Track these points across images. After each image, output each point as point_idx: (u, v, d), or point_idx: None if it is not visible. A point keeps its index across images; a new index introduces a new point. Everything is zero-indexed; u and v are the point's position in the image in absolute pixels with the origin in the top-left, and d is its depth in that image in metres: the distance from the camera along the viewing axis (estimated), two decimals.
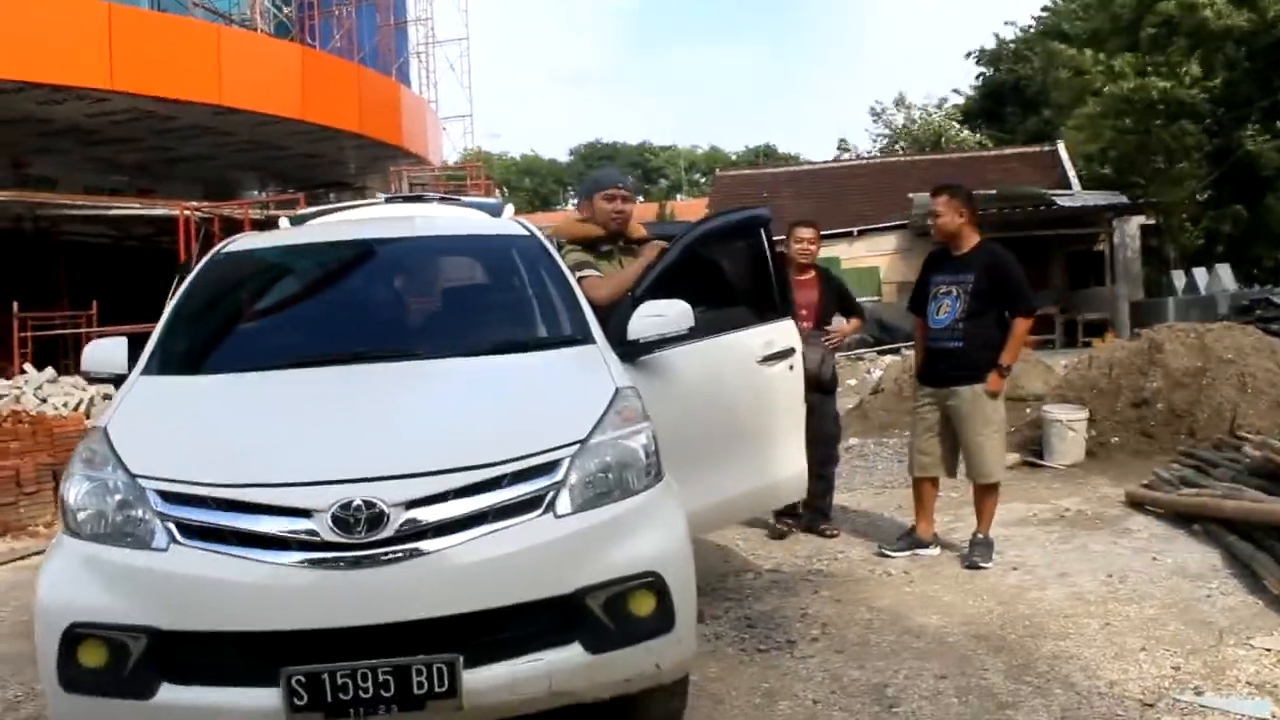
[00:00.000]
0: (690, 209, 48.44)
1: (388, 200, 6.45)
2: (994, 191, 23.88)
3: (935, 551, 5.98)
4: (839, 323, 6.75)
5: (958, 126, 43.67)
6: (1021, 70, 40.00)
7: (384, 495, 2.97)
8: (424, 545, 2.98)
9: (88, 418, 10.38)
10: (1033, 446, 9.11)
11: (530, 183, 79.65)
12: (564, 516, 3.14)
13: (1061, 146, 31.73)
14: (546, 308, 4.36)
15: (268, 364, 3.84)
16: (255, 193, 21.80)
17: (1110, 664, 4.27)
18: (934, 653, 4.48)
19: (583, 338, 4.00)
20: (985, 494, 5.88)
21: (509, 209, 5.90)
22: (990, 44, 44.22)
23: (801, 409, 5.20)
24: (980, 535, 5.88)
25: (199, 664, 2.96)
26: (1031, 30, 41.11)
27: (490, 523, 3.05)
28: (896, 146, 45.04)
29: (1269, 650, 4.33)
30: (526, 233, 4.78)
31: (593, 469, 3.24)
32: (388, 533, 2.96)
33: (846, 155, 48.25)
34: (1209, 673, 4.15)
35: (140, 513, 3.06)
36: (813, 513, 6.60)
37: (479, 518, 3.05)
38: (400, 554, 2.96)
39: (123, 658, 2.95)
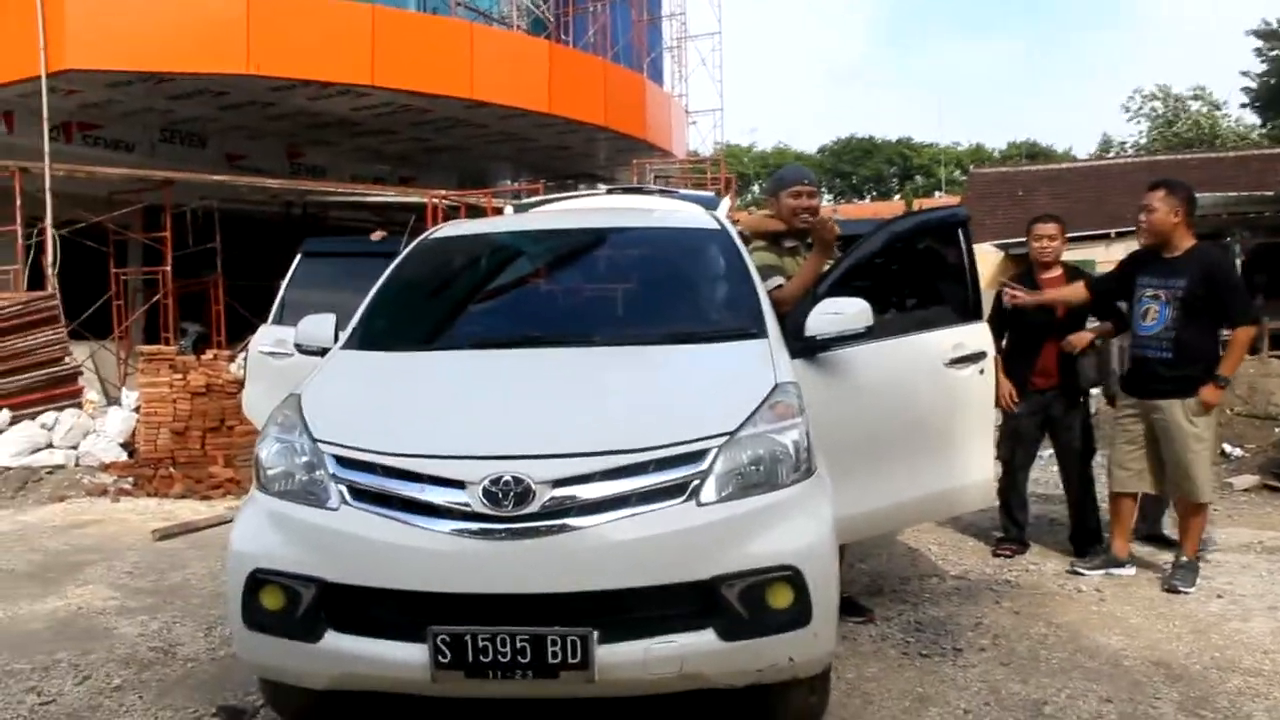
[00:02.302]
0: (937, 206, 47.16)
1: (608, 191, 6.72)
2: (1271, 193, 22.13)
3: (1131, 571, 5.70)
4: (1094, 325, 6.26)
5: (1227, 117, 40.18)
6: None
7: (532, 472, 3.15)
8: (568, 522, 3.14)
9: None
10: (1275, 469, 8.49)
11: None
12: (707, 505, 3.22)
13: None
14: (723, 301, 4.45)
15: (451, 344, 4.14)
16: (507, 181, 22.78)
17: None
18: (1106, 675, 4.30)
19: (755, 332, 4.06)
20: (1191, 515, 5.56)
21: (725, 203, 6.04)
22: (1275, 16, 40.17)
23: (990, 414, 5.09)
24: (1185, 558, 5.56)
25: (359, 616, 3.23)
26: None
27: (634, 506, 3.18)
28: (1155, 143, 42.06)
29: None
30: (718, 227, 4.88)
31: (741, 460, 3.32)
32: (534, 508, 3.13)
33: (1110, 153, 45.60)
34: None
35: (319, 475, 3.35)
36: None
37: (623, 500, 3.18)
38: (544, 529, 3.13)
39: (295, 603, 3.26)
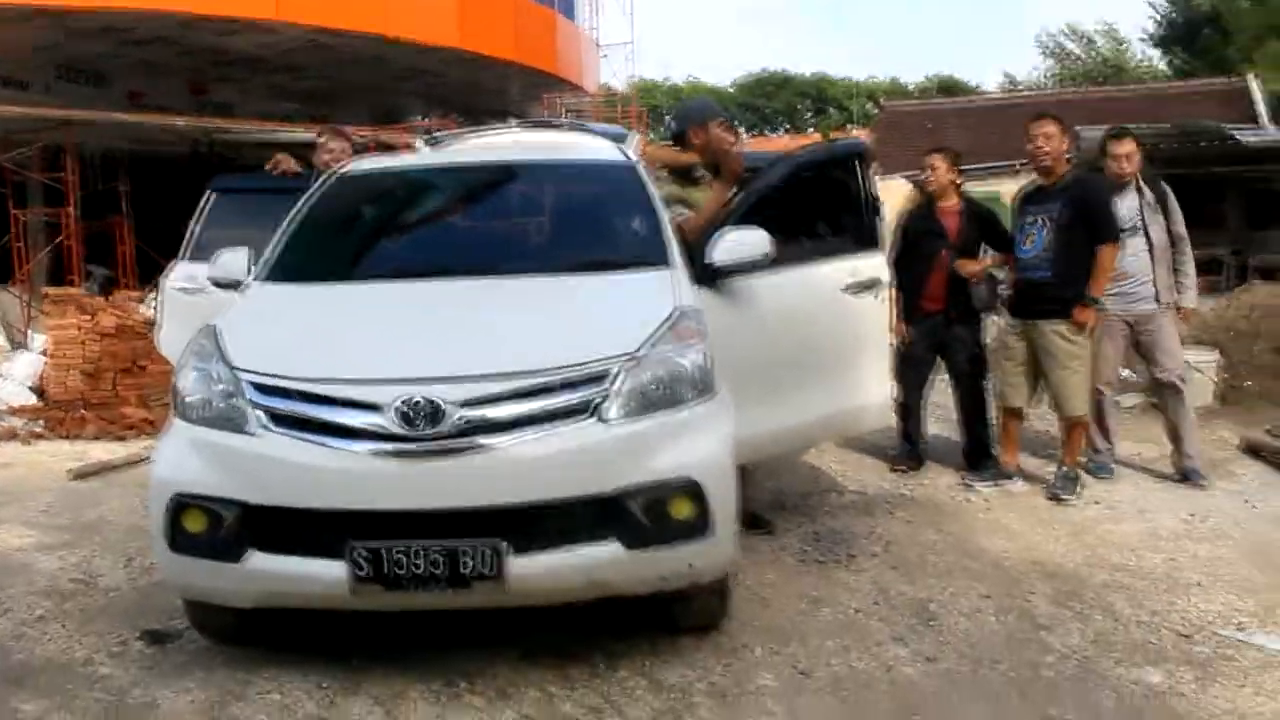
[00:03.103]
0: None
1: (519, 126, 6.82)
2: (1167, 125, 22.72)
3: (1019, 484, 6.06)
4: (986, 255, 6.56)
5: (1135, 57, 41.23)
6: None
7: (444, 394, 3.32)
8: (478, 441, 3.33)
9: None
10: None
11: None
12: (611, 422, 3.43)
13: (1252, 80, 29.83)
14: (629, 232, 4.63)
15: (365, 276, 4.29)
16: (419, 118, 22.54)
17: (1160, 596, 4.36)
18: (987, 575, 4.64)
19: (659, 261, 4.25)
20: (1070, 428, 5.93)
21: (634, 136, 6.18)
22: None
23: (885, 339, 5.36)
24: (1065, 469, 5.93)
25: (280, 535, 3.39)
26: None
27: (541, 424, 3.38)
28: (1066, 78, 42.91)
29: None
30: (624, 160, 5.04)
31: (643, 380, 3.52)
32: (446, 428, 3.31)
33: (1019, 86, 46.39)
34: (1260, 611, 4.21)
35: (237, 401, 3.49)
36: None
37: (531, 419, 3.38)
38: (456, 448, 3.32)
39: (218, 525, 3.42)
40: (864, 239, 5.24)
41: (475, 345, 3.62)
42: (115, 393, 9.79)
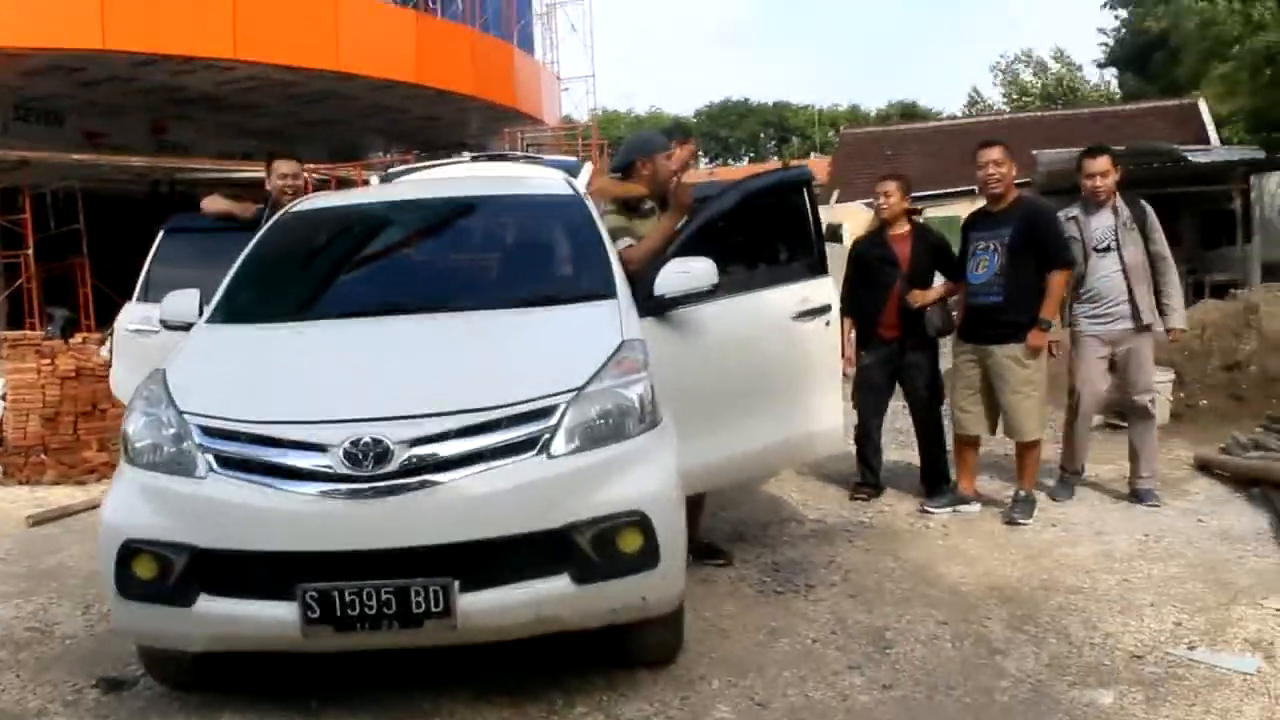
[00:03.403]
0: (819, 166, 47.93)
1: (473, 159, 6.86)
2: (1122, 147, 23.03)
3: (976, 509, 6.10)
4: (938, 282, 6.50)
5: (1083, 82, 42.02)
6: (1153, 20, 38.06)
7: (390, 434, 3.33)
8: (426, 479, 3.34)
9: None
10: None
11: None
12: (557, 457, 3.44)
13: (1202, 101, 30.39)
14: (574, 265, 4.67)
15: (312, 315, 4.29)
16: (380, 154, 22.57)
17: (1113, 618, 4.40)
18: (944, 601, 4.67)
19: (605, 294, 4.27)
20: (1025, 452, 5.98)
21: (587, 168, 6.24)
22: None
23: (837, 365, 5.40)
24: (1022, 493, 5.99)
25: (230, 579, 3.38)
26: None
27: (488, 461, 3.39)
28: (1029, 103, 43.59)
29: (1278, 610, 4.40)
30: (570, 193, 5.09)
31: (589, 415, 3.54)
32: (393, 467, 3.32)
33: (977, 108, 47.04)
34: (1210, 629, 4.26)
35: (186, 445, 3.48)
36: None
37: (477, 456, 3.39)
38: (404, 486, 3.32)
39: (168, 570, 3.40)
40: (813, 266, 5.29)
41: (421, 383, 3.63)
42: (76, 437, 9.68)
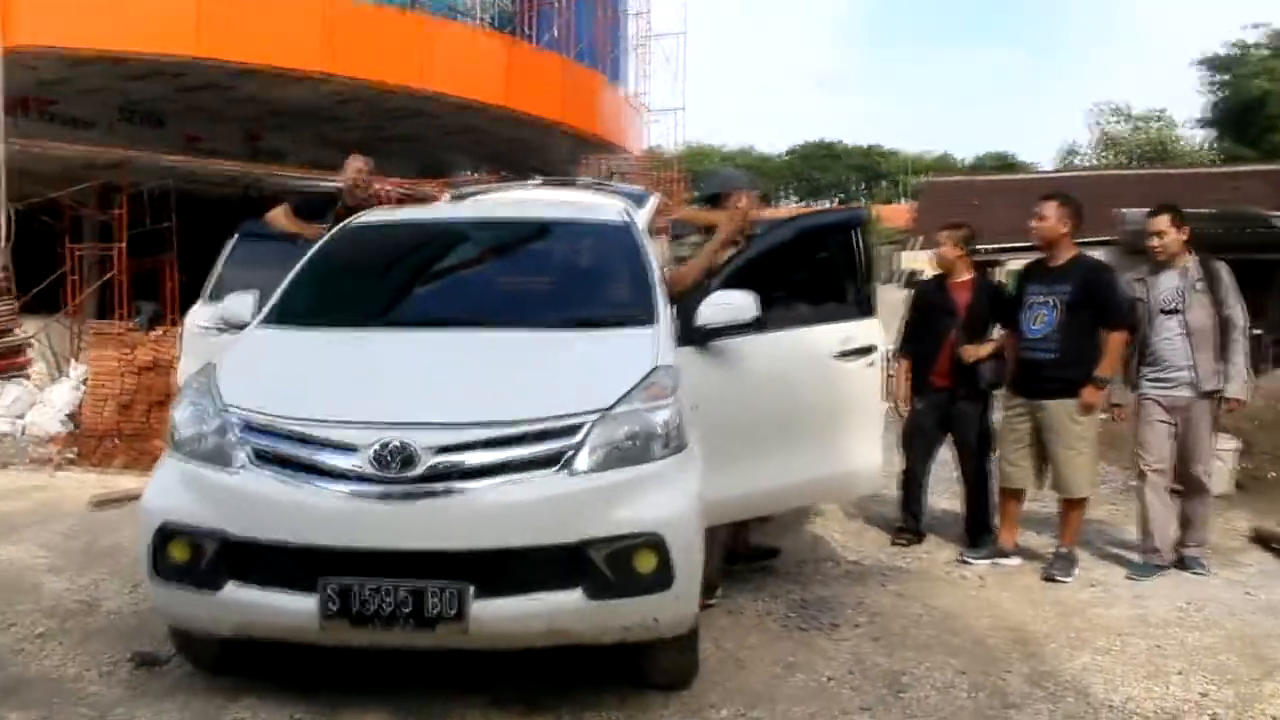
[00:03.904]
0: (896, 212, 47.65)
1: (543, 183, 7.02)
2: (1211, 210, 22.61)
3: (1016, 562, 6.04)
4: (996, 333, 6.48)
5: (1181, 139, 41.16)
6: (1257, 83, 37.21)
7: (417, 440, 3.45)
8: (450, 486, 3.45)
9: None
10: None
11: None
12: (579, 474, 3.53)
13: None
14: (618, 291, 4.76)
15: (359, 323, 4.44)
16: (467, 172, 22.96)
17: (1138, 682, 4.34)
18: (966, 651, 4.64)
19: (645, 319, 4.37)
20: (1070, 509, 5.92)
21: (653, 199, 6.37)
22: (1224, 50, 41.15)
23: (879, 405, 5.42)
24: (1064, 549, 5.92)
25: (257, 568, 3.51)
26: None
27: (511, 473, 3.49)
28: (1114, 157, 42.85)
29: None
30: (623, 222, 5.19)
31: (614, 435, 3.62)
32: (418, 472, 3.43)
33: (1070, 161, 46.41)
34: (1237, 703, 4.17)
35: (226, 437, 3.64)
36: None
37: (501, 467, 3.49)
38: (427, 491, 3.44)
39: (200, 555, 3.56)
40: (860, 306, 5.33)
41: (453, 394, 3.74)
42: (147, 425, 10.05)
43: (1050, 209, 5.93)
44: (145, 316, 15.50)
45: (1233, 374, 5.85)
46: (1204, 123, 42.25)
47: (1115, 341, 5.78)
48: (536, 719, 3.81)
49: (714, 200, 5.79)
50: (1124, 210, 24.37)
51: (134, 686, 4.04)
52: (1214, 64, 40.28)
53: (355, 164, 6.69)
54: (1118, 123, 45.61)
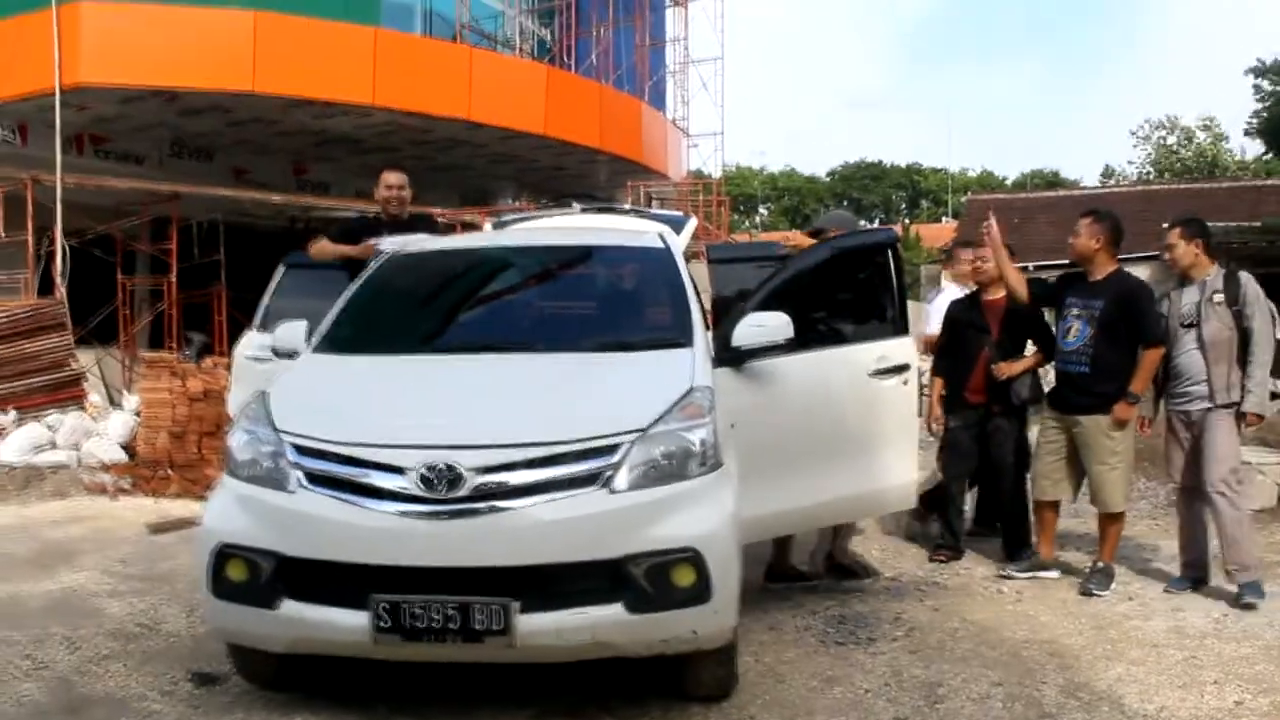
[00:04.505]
0: (936, 232, 47.51)
1: (582, 210, 7.19)
2: (1256, 223, 22.46)
3: (1055, 574, 6.09)
4: (1030, 351, 6.55)
5: (1233, 152, 40.72)
6: None
7: (462, 461, 3.60)
8: (494, 505, 3.60)
9: None
10: None
11: (788, 200, 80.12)
12: (618, 492, 3.67)
13: None
14: (656, 313, 4.91)
15: (406, 349, 4.61)
16: (510, 200, 23.28)
17: (1172, 692, 4.39)
18: (1003, 663, 4.71)
19: (682, 342, 4.51)
20: (1108, 524, 5.96)
21: (691, 223, 6.52)
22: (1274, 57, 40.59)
23: (913, 422, 5.52)
24: (1101, 564, 5.96)
25: (312, 586, 3.67)
26: None
27: (552, 492, 3.64)
28: (1162, 173, 42.41)
29: None
30: (661, 247, 5.34)
31: (652, 454, 3.76)
32: (464, 492, 3.59)
33: (1111, 181, 46.08)
34: (1272, 711, 4.21)
35: (280, 462, 3.81)
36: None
37: (543, 486, 3.64)
38: (473, 510, 3.59)
39: (257, 574, 3.72)
40: (894, 325, 5.44)
41: (496, 416, 3.90)
42: (200, 454, 10.28)
43: (1083, 225, 6.01)
44: (195, 348, 15.87)
45: (1251, 387, 5.72)
46: (1255, 132, 41.71)
47: (1149, 359, 5.83)
48: None
49: (817, 234, 6.19)
50: (1167, 225, 24.34)
51: (194, 704, 4.20)
52: (1262, 71, 39.77)
53: (390, 179, 6.67)
54: (1165, 137, 45.24)
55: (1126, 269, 6.16)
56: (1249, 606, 5.55)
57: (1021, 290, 6.18)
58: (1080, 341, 5.91)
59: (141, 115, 15.58)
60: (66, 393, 11.47)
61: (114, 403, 12.67)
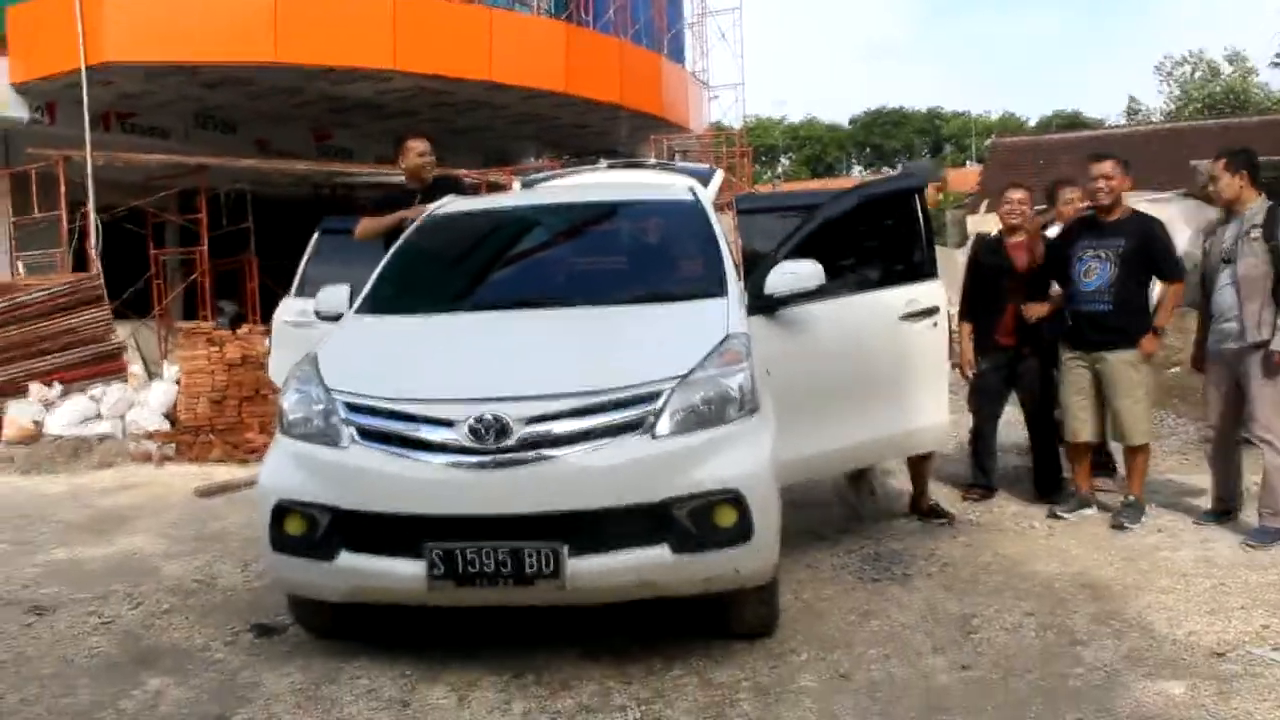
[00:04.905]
0: (964, 176, 47.11)
1: (609, 166, 7.28)
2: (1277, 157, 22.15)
3: (1093, 511, 6.20)
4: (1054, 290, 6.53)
5: (1259, 87, 40.10)
6: None
7: (509, 412, 3.74)
8: (541, 453, 3.73)
9: None
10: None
11: (810, 149, 79.69)
12: (660, 438, 3.80)
13: None
14: (689, 265, 5.02)
15: (447, 308, 4.75)
16: (531, 159, 23.30)
17: (1200, 617, 4.51)
18: (1034, 594, 4.85)
19: (716, 292, 4.62)
20: (1135, 456, 6.06)
21: (718, 175, 6.61)
22: None
23: (944, 364, 5.63)
24: (1131, 498, 6.07)
25: (367, 537, 3.83)
26: None
27: (597, 439, 3.77)
28: (1188, 108, 41.84)
29: None
30: (691, 199, 5.44)
31: (692, 400, 3.89)
32: (511, 442, 3.72)
33: (1137, 117, 45.50)
34: None
35: (332, 419, 3.96)
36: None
37: (588, 434, 3.77)
38: (521, 459, 3.72)
39: (314, 528, 3.89)
40: (923, 269, 5.53)
41: (540, 368, 4.03)
42: (240, 419, 10.51)
43: (1109, 167, 6.03)
44: (228, 316, 16.09)
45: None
46: None
47: (1171, 292, 5.95)
48: (628, 667, 4.07)
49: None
50: (1197, 163, 24.08)
51: (256, 653, 4.39)
52: None
53: (418, 147, 6.56)
54: (1192, 72, 44.54)
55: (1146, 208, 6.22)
56: (1252, 547, 5.52)
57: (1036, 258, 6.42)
58: (1101, 281, 5.98)
59: (165, 90, 15.67)
60: (108, 365, 11.69)
61: (152, 374, 12.90)
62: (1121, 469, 6.66)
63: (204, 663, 4.29)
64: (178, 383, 11.15)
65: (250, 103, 16.74)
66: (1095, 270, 5.99)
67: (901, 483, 6.99)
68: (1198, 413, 7.05)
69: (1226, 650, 4.16)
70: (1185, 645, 4.22)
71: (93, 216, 13.71)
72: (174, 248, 16.51)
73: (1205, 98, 42.51)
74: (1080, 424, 6.15)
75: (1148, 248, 5.95)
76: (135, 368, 12.51)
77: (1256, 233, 5.67)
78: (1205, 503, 6.24)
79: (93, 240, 13.66)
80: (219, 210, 15.73)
